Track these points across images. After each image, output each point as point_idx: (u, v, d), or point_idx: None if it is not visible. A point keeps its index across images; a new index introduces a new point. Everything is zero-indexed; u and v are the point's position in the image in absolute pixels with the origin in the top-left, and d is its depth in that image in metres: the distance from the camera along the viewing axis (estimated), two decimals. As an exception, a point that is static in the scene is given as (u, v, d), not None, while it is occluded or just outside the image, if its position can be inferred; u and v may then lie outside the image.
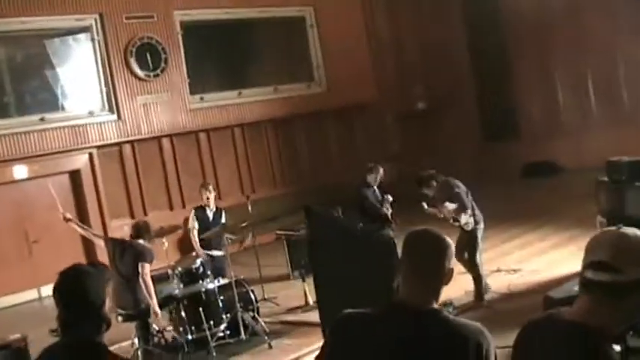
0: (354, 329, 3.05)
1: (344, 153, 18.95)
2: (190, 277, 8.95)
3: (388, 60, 20.08)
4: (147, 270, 8.45)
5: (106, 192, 15.67)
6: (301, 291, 10.96)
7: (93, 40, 15.63)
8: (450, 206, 9.47)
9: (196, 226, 10.72)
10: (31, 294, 14.86)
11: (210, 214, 10.85)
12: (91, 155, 15.53)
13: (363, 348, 2.98)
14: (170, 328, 9.16)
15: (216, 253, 10.07)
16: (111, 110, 15.77)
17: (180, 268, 9.03)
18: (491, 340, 2.92)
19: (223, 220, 10.71)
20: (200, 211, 10.95)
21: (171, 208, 16.44)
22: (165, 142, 16.52)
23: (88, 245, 15.56)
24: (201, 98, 17.02)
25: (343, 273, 5.48)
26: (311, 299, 10.59)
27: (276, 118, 18.04)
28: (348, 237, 5.77)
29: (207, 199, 10.79)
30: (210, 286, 8.74)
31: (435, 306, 3.00)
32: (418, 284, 2.99)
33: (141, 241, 8.93)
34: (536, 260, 11.46)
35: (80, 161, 15.49)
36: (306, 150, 18.67)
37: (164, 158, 16.51)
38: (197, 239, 10.54)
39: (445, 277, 3.00)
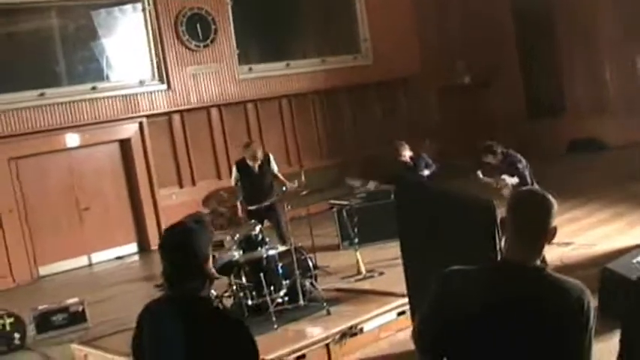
0: (462, 284, 3.14)
1: (387, 126, 18.94)
2: (249, 243, 9.04)
3: (432, 33, 20.00)
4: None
5: (155, 161, 15.84)
6: (351, 260, 11.07)
7: (144, 10, 15.74)
8: (511, 180, 9.48)
9: (233, 181, 10.99)
10: (81, 260, 15.12)
11: (255, 167, 10.94)
12: (141, 124, 15.69)
13: (470, 303, 3.06)
14: (228, 293, 9.29)
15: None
16: (161, 80, 15.91)
17: (238, 235, 9.13)
18: (590, 297, 3.02)
19: (274, 166, 10.76)
20: (243, 164, 11.01)
21: (219, 177, 16.56)
22: (214, 112, 16.65)
23: (137, 213, 15.83)
24: (250, 69, 17.11)
25: (434, 240, 5.53)
26: (363, 268, 10.70)
27: (323, 89, 18.10)
28: (442, 202, 5.82)
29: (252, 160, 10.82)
30: (271, 252, 8.85)
31: (538, 263, 3.08)
32: (523, 243, 3.09)
33: None
34: (587, 234, 11.46)
35: (130, 130, 15.66)
36: (351, 122, 18.73)
37: (212, 128, 16.64)
38: (242, 196, 10.62)
39: (549, 235, 3.08)
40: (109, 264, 15.20)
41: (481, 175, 9.99)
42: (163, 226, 15.46)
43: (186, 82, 16.10)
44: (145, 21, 15.77)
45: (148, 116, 15.72)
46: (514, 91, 20.44)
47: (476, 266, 3.19)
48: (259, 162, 10.87)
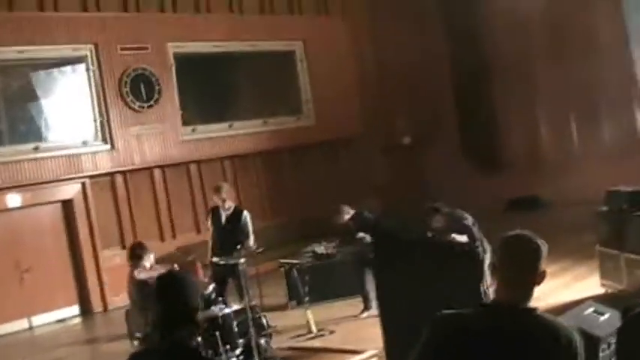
0: (454, 327, 3.22)
1: (330, 185, 19.07)
2: (202, 302, 8.98)
3: (373, 94, 20.35)
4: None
5: (98, 222, 15.66)
6: (299, 320, 11.08)
7: (88, 70, 15.70)
8: (461, 238, 9.59)
9: (209, 226, 10.73)
10: (21, 323, 14.75)
11: (223, 215, 10.69)
12: (83, 185, 15.53)
13: (463, 344, 3.14)
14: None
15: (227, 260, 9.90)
16: (104, 140, 15.81)
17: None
18: (580, 338, 3.13)
19: (246, 223, 10.54)
20: (215, 211, 10.81)
21: (162, 238, 16.45)
22: (157, 172, 16.58)
23: (79, 275, 15.58)
24: (193, 130, 17.14)
25: (415, 288, 5.58)
26: (314, 327, 10.70)
27: (265, 150, 18.20)
28: (424, 250, 5.90)
29: (221, 203, 10.65)
30: (227, 310, 8.80)
31: (530, 305, 3.18)
32: (514, 285, 3.19)
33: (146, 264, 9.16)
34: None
35: (73, 190, 15.47)
36: (294, 182, 18.81)
37: (155, 189, 16.55)
38: (210, 245, 10.55)
39: (539, 277, 3.19)
40: (50, 327, 14.86)
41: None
42: (106, 288, 15.33)
43: (129, 143, 16.03)
44: (89, 81, 15.70)
45: (91, 176, 15.57)
46: (453, 151, 20.83)
47: (467, 309, 3.28)
48: (228, 213, 10.69)
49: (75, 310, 15.52)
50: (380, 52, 20.37)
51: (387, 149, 20.31)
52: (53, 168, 15.13)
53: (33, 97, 15.35)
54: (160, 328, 3.44)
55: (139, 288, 8.78)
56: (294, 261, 11.63)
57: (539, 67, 19.40)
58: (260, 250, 10.06)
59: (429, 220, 9.95)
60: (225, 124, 17.74)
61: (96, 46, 15.70)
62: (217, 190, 10.75)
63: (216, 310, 8.80)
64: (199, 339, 7.80)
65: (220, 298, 9.22)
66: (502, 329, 3.12)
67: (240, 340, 8.72)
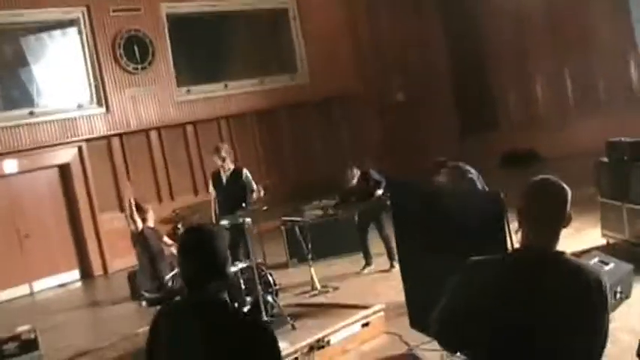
0: (487, 272, 3.23)
1: (326, 144, 19.09)
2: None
3: (368, 52, 20.24)
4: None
5: (95, 186, 15.62)
6: (301, 277, 11.14)
7: (80, 33, 15.56)
8: None
9: (213, 192, 10.72)
10: (23, 289, 14.79)
11: (223, 177, 10.70)
12: (80, 149, 15.46)
13: (497, 289, 3.15)
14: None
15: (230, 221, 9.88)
16: (99, 103, 15.74)
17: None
18: (606, 277, 3.20)
19: (248, 180, 10.55)
20: (216, 174, 10.83)
21: (160, 200, 16.42)
22: (153, 134, 16.51)
23: (78, 239, 15.58)
24: (188, 91, 17.06)
25: (437, 239, 5.57)
26: (318, 284, 10.75)
27: (261, 109, 18.13)
28: (443, 198, 5.89)
29: (221, 165, 10.63)
30: (233, 269, 8.79)
31: (558, 248, 3.20)
32: (543, 230, 3.21)
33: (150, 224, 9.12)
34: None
35: (70, 155, 15.41)
36: (290, 141, 18.77)
37: (152, 151, 16.49)
38: (214, 207, 10.54)
39: (566, 221, 3.20)
40: (52, 292, 14.91)
41: None
42: (106, 252, 15.35)
43: (125, 105, 15.96)
44: (82, 44, 15.58)
45: (87, 140, 15.50)
46: (447, 109, 20.80)
47: (497, 255, 3.30)
48: (228, 174, 10.68)
49: (75, 274, 15.57)
50: (374, 12, 20.22)
51: (381, 107, 20.25)
52: (49, 133, 15.08)
53: (25, 61, 15.25)
54: (190, 283, 3.42)
55: (145, 245, 8.74)
56: (297, 218, 11.61)
57: (533, 24, 19.30)
58: (265, 208, 10.02)
59: (434, 175, 9.95)
60: (220, 84, 17.66)
61: (88, 8, 15.55)
62: (217, 150, 10.73)
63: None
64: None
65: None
66: (534, 273, 3.14)
67: (248, 298, 8.74)
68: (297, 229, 11.47)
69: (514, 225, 3.60)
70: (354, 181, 11.73)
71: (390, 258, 11.51)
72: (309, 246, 11.10)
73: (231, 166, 10.70)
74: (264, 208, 9.75)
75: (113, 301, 13.13)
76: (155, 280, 8.65)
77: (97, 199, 15.61)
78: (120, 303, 12.75)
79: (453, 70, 20.99)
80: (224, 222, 9.74)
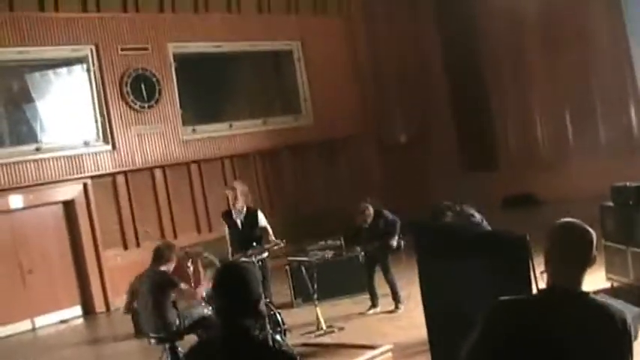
0: (512, 313, 3.33)
1: (329, 184, 19.21)
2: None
3: (370, 94, 20.46)
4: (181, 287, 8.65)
5: (100, 222, 15.67)
6: (306, 317, 11.17)
7: (89, 70, 15.71)
8: None
9: (226, 232, 10.73)
10: (24, 325, 14.75)
11: (236, 217, 10.74)
12: (85, 185, 15.54)
13: (523, 328, 3.25)
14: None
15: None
16: (106, 140, 15.83)
17: (205, 291, 9.12)
18: (630, 318, 3.30)
19: (262, 222, 10.61)
20: (226, 215, 10.87)
21: (163, 238, 16.46)
22: (158, 172, 16.59)
23: (81, 275, 15.60)
24: (194, 130, 17.18)
25: (463, 279, 5.64)
26: (324, 324, 10.78)
27: (264, 149, 18.27)
28: (468, 240, 5.97)
29: (233, 201, 10.69)
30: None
31: (583, 289, 3.31)
32: (570, 271, 3.32)
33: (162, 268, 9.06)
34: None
35: (75, 191, 15.48)
36: (293, 181, 18.89)
37: (156, 189, 16.57)
38: (229, 246, 10.58)
39: (591, 262, 3.30)
40: (54, 327, 14.88)
41: None
42: (109, 288, 15.36)
43: (131, 143, 16.06)
44: (90, 81, 15.72)
45: (92, 177, 15.58)
46: (449, 148, 20.96)
47: (523, 295, 3.40)
48: (242, 215, 10.74)
49: (77, 310, 15.54)
50: (376, 53, 20.47)
51: (384, 148, 20.41)
52: (55, 169, 15.14)
53: (33, 98, 15.36)
54: (223, 319, 3.49)
55: (158, 284, 8.74)
56: (303, 258, 11.65)
57: (534, 64, 19.55)
58: (283, 243, 10.13)
59: (440, 217, 10.01)
60: (225, 124, 17.80)
61: (96, 46, 15.71)
62: (233, 189, 10.80)
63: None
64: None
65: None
66: (560, 313, 3.23)
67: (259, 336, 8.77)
68: (303, 268, 11.51)
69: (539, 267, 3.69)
70: (369, 220, 11.74)
71: (395, 300, 11.57)
72: (315, 286, 11.13)
73: (244, 205, 10.75)
74: (282, 243, 9.86)
75: (116, 338, 13.15)
76: (160, 319, 8.67)
77: (100, 235, 15.65)
78: (123, 340, 12.77)
79: (454, 112, 21.16)
80: (243, 259, 9.81)
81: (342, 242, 12.81)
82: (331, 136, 19.22)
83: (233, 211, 10.79)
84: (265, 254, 10.01)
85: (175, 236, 16.61)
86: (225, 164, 17.75)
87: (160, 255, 8.96)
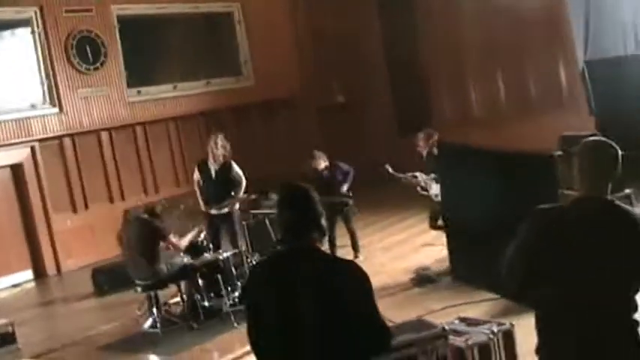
0: (552, 217, 3.87)
1: (270, 144, 19.48)
2: (195, 249, 9.34)
3: (310, 56, 20.69)
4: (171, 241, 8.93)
5: (48, 186, 15.64)
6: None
7: (33, 32, 15.56)
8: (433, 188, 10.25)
9: (197, 179, 10.90)
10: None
11: (212, 168, 10.88)
12: (33, 148, 15.46)
13: (561, 232, 3.78)
14: (174, 300, 9.54)
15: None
16: (52, 103, 15.75)
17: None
18: None
19: (237, 172, 10.81)
20: (203, 164, 10.99)
21: (111, 200, 16.56)
22: (104, 135, 16.58)
23: (31, 239, 15.57)
24: (139, 92, 17.21)
25: (486, 195, 6.03)
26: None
27: (208, 110, 18.39)
28: (493, 159, 6.34)
29: (213, 153, 10.81)
30: (226, 254, 9.16)
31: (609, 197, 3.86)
32: (599, 182, 3.85)
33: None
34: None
35: (22, 154, 15.38)
36: (236, 142, 18.99)
37: (103, 151, 16.57)
38: (199, 195, 10.76)
39: (616, 174, 3.85)
40: (7, 291, 14.85)
41: (390, 170, 10.84)
42: (59, 252, 15.39)
43: (78, 106, 16.02)
44: (35, 44, 15.58)
45: (39, 140, 15.51)
46: (385, 111, 21.39)
47: (559, 204, 3.91)
48: (217, 166, 10.88)
49: (29, 274, 15.50)
50: (315, 16, 20.68)
51: (322, 109, 20.73)
52: (2, 132, 15.02)
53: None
54: (293, 233, 3.82)
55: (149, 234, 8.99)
56: (268, 211, 11.82)
57: (466, 32, 20.06)
58: (254, 196, 10.38)
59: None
60: (169, 86, 17.87)
61: (41, 8, 15.56)
62: (213, 139, 10.91)
63: (215, 255, 9.15)
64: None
65: (211, 245, 9.58)
66: (593, 217, 3.78)
67: (238, 283, 9.11)
68: (267, 221, 11.67)
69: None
70: (321, 167, 12.01)
71: (355, 249, 11.98)
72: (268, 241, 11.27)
73: (222, 159, 10.90)
74: (253, 196, 10.12)
75: (73, 298, 13.26)
76: (150, 267, 8.93)
77: (50, 199, 15.61)
78: (80, 300, 12.92)
79: (390, 76, 21.57)
80: (214, 211, 10.07)
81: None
82: (271, 97, 19.45)
83: (209, 163, 10.91)
84: (237, 206, 10.26)
85: (123, 198, 16.71)
86: (170, 126, 17.83)
87: (156, 213, 9.27)
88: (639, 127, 13.28)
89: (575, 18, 15.82)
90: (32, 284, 15.34)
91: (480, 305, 8.09)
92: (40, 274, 15.54)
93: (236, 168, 10.95)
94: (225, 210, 10.10)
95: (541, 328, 3.90)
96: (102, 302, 12.48)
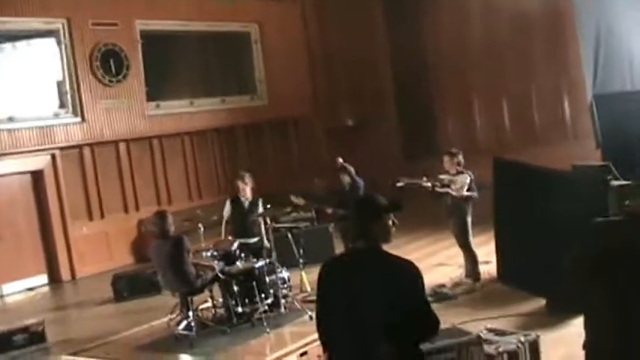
0: (612, 229, 4.27)
1: (280, 161, 19.95)
2: (228, 257, 9.75)
3: (321, 79, 21.21)
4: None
5: (67, 193, 15.98)
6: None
7: (59, 43, 15.97)
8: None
9: (226, 215, 11.31)
10: (-9, 291, 15.01)
11: (245, 203, 11.29)
12: (53, 156, 15.82)
13: (616, 243, 4.14)
14: (205, 305, 9.93)
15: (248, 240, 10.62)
16: (75, 113, 16.13)
17: (217, 250, 9.84)
18: None
19: (260, 209, 11.20)
20: (236, 199, 11.41)
21: (126, 210, 16.91)
22: (122, 146, 16.97)
23: (48, 245, 15.87)
24: (157, 105, 17.62)
25: (539, 212, 6.45)
26: (308, 286, 11.46)
27: (221, 127, 18.82)
28: (547, 177, 6.77)
29: (243, 190, 11.23)
30: (260, 264, 9.55)
31: None
32: None
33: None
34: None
35: (44, 161, 15.74)
36: (247, 158, 19.46)
37: (120, 162, 16.95)
38: (224, 228, 11.18)
39: None
40: (21, 295, 15.14)
41: (406, 180, 11.25)
42: (75, 258, 15.70)
43: (99, 116, 16.40)
44: (61, 54, 15.99)
45: (61, 148, 15.87)
46: (392, 135, 21.83)
47: (612, 218, 4.37)
48: (248, 201, 11.31)
49: (44, 279, 15.80)
50: (327, 39, 21.21)
51: (331, 130, 21.18)
52: (26, 139, 15.35)
53: (6, 68, 15.51)
54: (360, 236, 4.33)
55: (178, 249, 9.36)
56: (290, 225, 12.18)
57: (474, 59, 20.57)
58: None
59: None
60: (186, 101, 18.31)
61: (68, 20, 15.98)
62: (242, 177, 11.39)
63: (249, 263, 9.55)
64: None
65: (243, 255, 9.99)
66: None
67: (271, 291, 9.50)
68: (289, 235, 12.00)
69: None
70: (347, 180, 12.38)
71: None
72: (301, 251, 11.70)
73: (250, 195, 11.34)
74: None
75: (91, 302, 13.55)
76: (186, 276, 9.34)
77: (68, 206, 15.95)
78: (102, 305, 13.21)
79: (398, 100, 22.02)
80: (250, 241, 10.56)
81: (314, 214, 13.51)
82: (283, 116, 19.93)
83: (241, 197, 11.35)
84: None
85: (138, 209, 17.08)
86: (185, 140, 18.25)
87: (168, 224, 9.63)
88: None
89: (586, 52, 16.25)
90: (47, 288, 15.63)
91: (498, 321, 8.50)
92: (54, 279, 15.85)
93: (260, 205, 11.41)
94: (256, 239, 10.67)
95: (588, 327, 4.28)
96: (122, 307, 12.78)
